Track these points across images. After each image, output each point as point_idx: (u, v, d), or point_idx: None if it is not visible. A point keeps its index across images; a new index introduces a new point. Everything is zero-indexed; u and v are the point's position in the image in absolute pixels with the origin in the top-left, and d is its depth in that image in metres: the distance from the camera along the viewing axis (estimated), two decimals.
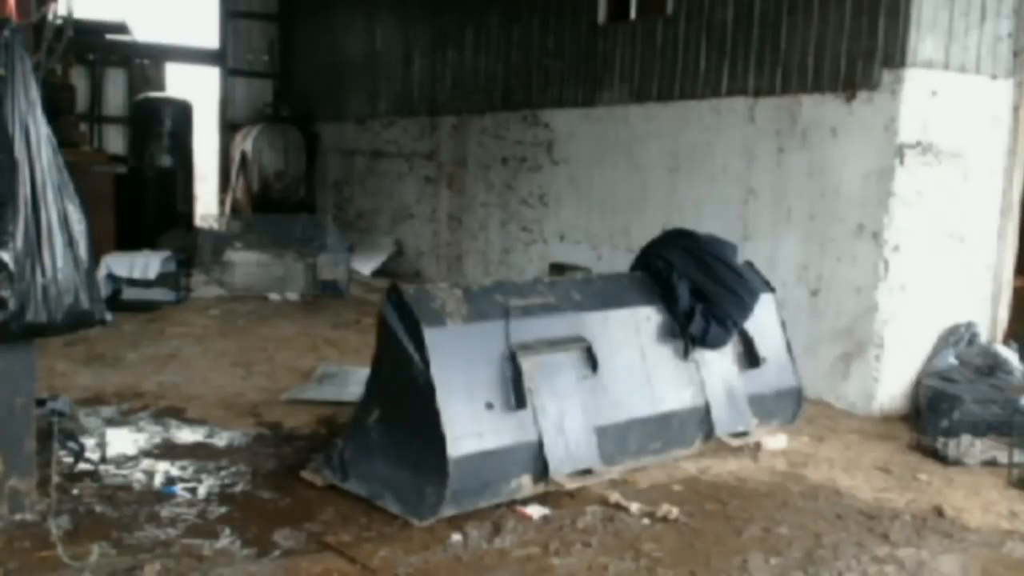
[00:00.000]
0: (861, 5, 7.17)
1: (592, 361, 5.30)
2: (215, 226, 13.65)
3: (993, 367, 7.01)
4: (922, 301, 7.22)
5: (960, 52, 7.13)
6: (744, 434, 6.01)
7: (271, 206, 15.04)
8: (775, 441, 6.21)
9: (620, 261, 8.60)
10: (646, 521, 4.88)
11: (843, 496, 5.43)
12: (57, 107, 11.33)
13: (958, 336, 7.29)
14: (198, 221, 14.26)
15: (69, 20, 5.09)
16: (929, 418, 6.62)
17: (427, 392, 4.62)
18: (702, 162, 8.63)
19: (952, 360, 7.17)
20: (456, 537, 4.54)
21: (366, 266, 13.18)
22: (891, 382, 7.17)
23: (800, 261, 7.66)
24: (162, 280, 10.35)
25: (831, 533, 4.86)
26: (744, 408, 6.03)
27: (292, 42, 16.86)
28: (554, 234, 10.55)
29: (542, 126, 10.70)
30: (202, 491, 5.06)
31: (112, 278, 10.06)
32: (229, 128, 17.02)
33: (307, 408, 6.63)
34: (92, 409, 6.34)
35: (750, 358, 6.11)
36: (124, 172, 13.90)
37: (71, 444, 5.25)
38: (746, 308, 6.05)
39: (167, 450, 5.72)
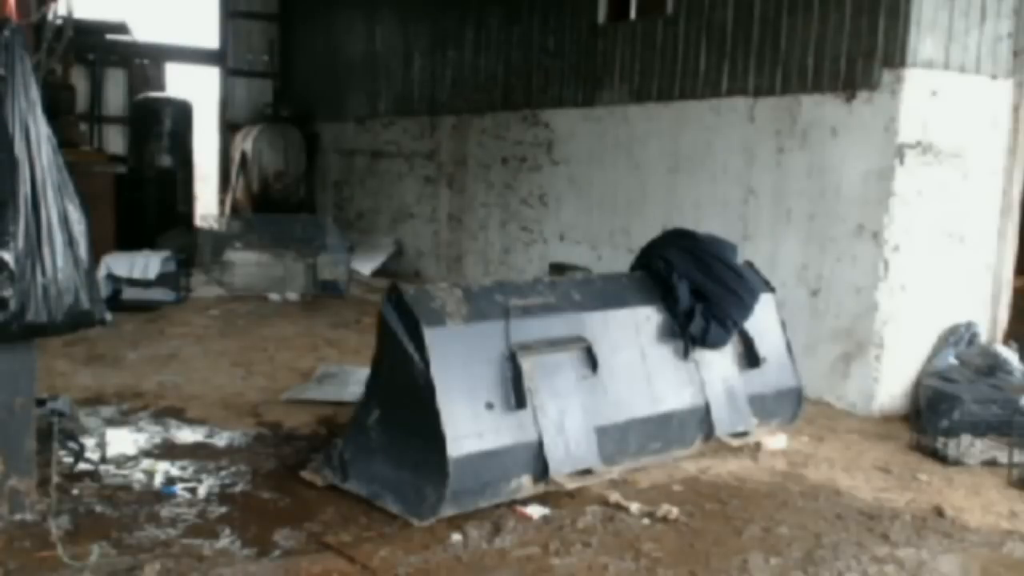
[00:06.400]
0: (861, 5, 7.17)
1: (592, 361, 5.30)
2: (215, 226, 13.63)
3: (993, 367, 7.00)
4: (922, 301, 7.22)
5: (960, 52, 7.12)
6: (744, 434, 6.01)
7: (271, 206, 15.03)
8: (775, 441, 6.21)
9: (620, 261, 8.60)
10: (646, 521, 4.88)
11: (843, 496, 5.43)
12: (57, 107, 11.35)
13: (958, 336, 7.29)
14: (198, 221, 14.25)
15: (69, 20, 5.10)
16: (929, 418, 6.62)
17: (427, 392, 4.61)
18: (702, 162, 8.63)
19: (952, 360, 7.16)
20: (456, 537, 4.54)
21: (366, 266, 13.18)
22: (891, 382, 7.17)
23: (800, 261, 7.66)
24: (162, 280, 10.35)
25: (831, 533, 4.86)
26: (744, 408, 6.03)
27: (292, 42, 16.87)
28: (554, 234, 10.55)
29: (542, 126, 10.70)
30: (202, 491, 5.06)
31: (112, 278, 10.06)
32: (229, 128, 17.02)
33: (307, 408, 6.63)
34: (92, 409, 6.35)
35: (750, 358, 6.11)
36: (124, 172, 13.90)
37: (71, 444, 5.25)
38: (746, 308, 6.05)
39: (167, 450, 5.72)
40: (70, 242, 4.28)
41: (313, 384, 7.24)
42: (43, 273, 4.17)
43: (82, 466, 5.23)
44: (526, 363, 4.96)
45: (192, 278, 11.29)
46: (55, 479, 4.63)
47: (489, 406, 4.80)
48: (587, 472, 5.10)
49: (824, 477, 5.74)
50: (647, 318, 5.77)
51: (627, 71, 9.52)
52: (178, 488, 5.07)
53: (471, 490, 4.70)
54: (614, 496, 5.11)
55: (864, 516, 5.11)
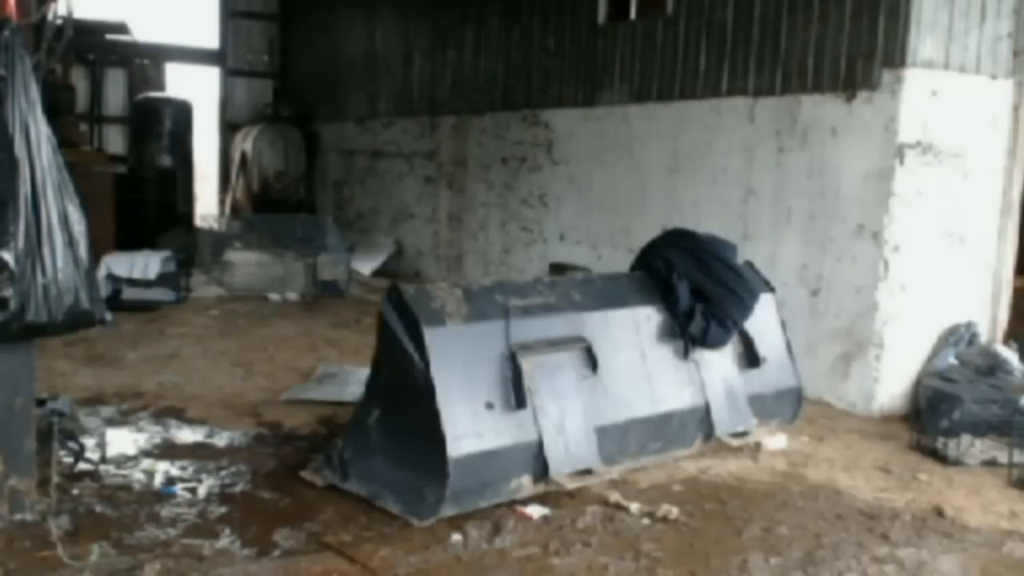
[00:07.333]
0: (861, 5, 7.17)
1: (592, 361, 5.30)
2: (215, 226, 13.64)
3: (993, 367, 7.01)
4: (922, 301, 7.22)
5: (960, 52, 7.12)
6: (744, 434, 6.01)
7: (271, 206, 15.04)
8: (775, 441, 6.20)
9: (620, 261, 8.60)
10: (646, 521, 4.88)
11: (843, 496, 5.43)
12: (57, 107, 11.34)
13: (958, 336, 7.29)
14: (198, 221, 14.26)
15: (69, 20, 5.09)
16: (929, 418, 6.62)
17: (427, 392, 4.61)
18: (702, 162, 8.63)
19: (952, 360, 7.16)
20: (456, 537, 4.54)
21: (366, 266, 13.18)
22: (891, 382, 7.17)
23: (800, 261, 7.66)
24: (162, 280, 10.35)
25: (831, 533, 4.86)
26: (744, 408, 6.03)
27: (292, 42, 16.87)
28: (554, 234, 10.55)
29: (542, 126, 10.70)
30: (202, 491, 5.06)
31: (112, 278, 10.06)
32: (229, 128, 17.03)
33: (307, 408, 6.63)
34: (92, 409, 6.35)
35: (750, 358, 6.11)
36: (124, 172, 13.91)
37: (71, 444, 5.25)
38: (746, 308, 6.05)
39: (167, 450, 5.72)
40: (70, 242, 4.28)
41: (313, 384, 7.24)
42: (43, 273, 4.17)
43: (82, 466, 5.23)
44: (526, 363, 4.96)
45: (192, 278, 11.29)
46: (55, 479, 4.64)
47: (489, 406, 4.80)
48: (587, 472, 5.10)
49: (824, 477, 5.74)
50: (647, 318, 5.77)
51: (627, 71, 9.52)
52: (178, 488, 5.07)
53: (471, 490, 4.70)
54: (614, 496, 5.11)
55: (864, 516, 5.12)
